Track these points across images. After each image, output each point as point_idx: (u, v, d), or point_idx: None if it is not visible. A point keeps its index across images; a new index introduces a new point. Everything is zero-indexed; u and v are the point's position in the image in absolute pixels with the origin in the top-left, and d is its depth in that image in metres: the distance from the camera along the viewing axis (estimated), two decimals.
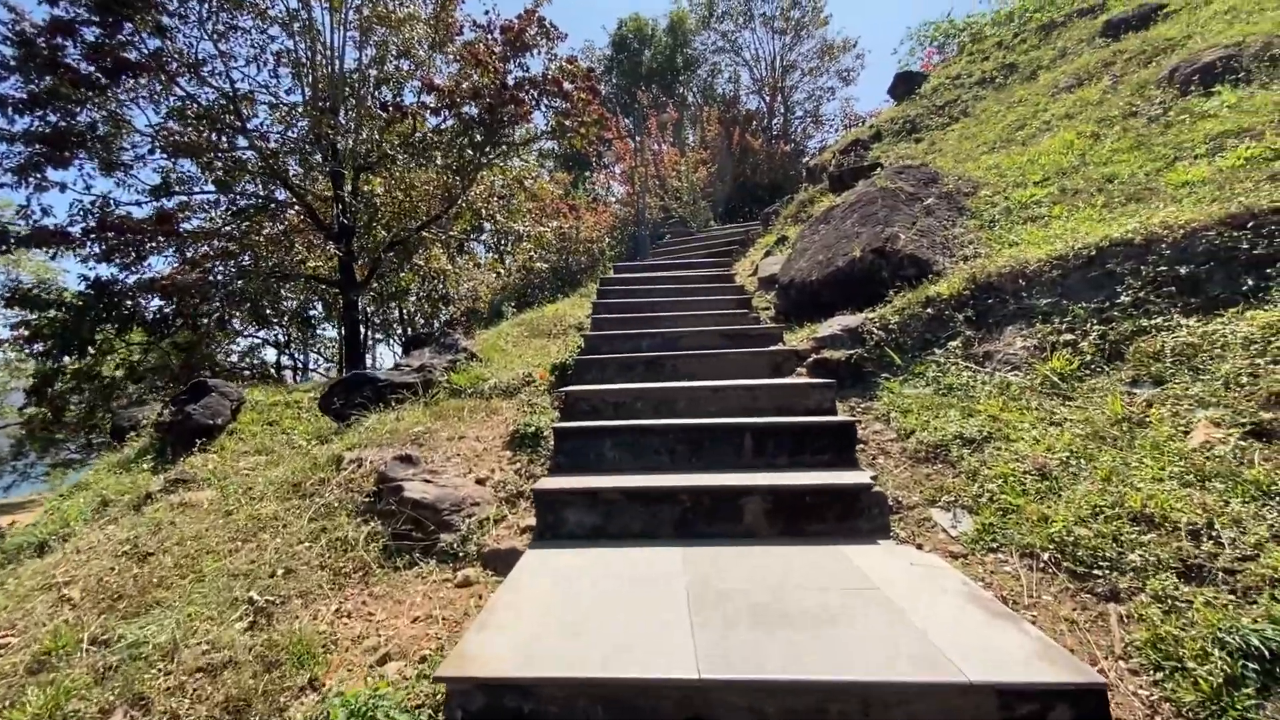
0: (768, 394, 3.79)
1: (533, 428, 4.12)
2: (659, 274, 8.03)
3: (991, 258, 4.43)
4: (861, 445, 3.47)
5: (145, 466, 5.41)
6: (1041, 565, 2.36)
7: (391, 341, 18.16)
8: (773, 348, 4.84)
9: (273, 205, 12.13)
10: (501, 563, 3.03)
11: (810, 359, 4.37)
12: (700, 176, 14.28)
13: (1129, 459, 2.67)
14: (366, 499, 3.56)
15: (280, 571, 3.02)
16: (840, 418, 3.51)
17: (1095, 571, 2.23)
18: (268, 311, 11.07)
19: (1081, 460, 2.77)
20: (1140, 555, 2.20)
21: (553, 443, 3.61)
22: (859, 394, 4.06)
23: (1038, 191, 5.58)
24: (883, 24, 43.76)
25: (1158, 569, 2.14)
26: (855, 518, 2.91)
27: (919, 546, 2.71)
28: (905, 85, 10.97)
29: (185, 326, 10.09)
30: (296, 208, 11.89)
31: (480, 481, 3.66)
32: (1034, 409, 3.25)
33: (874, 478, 3.05)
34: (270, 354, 17.10)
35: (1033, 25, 10.80)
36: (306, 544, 3.26)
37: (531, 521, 3.18)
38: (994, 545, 2.56)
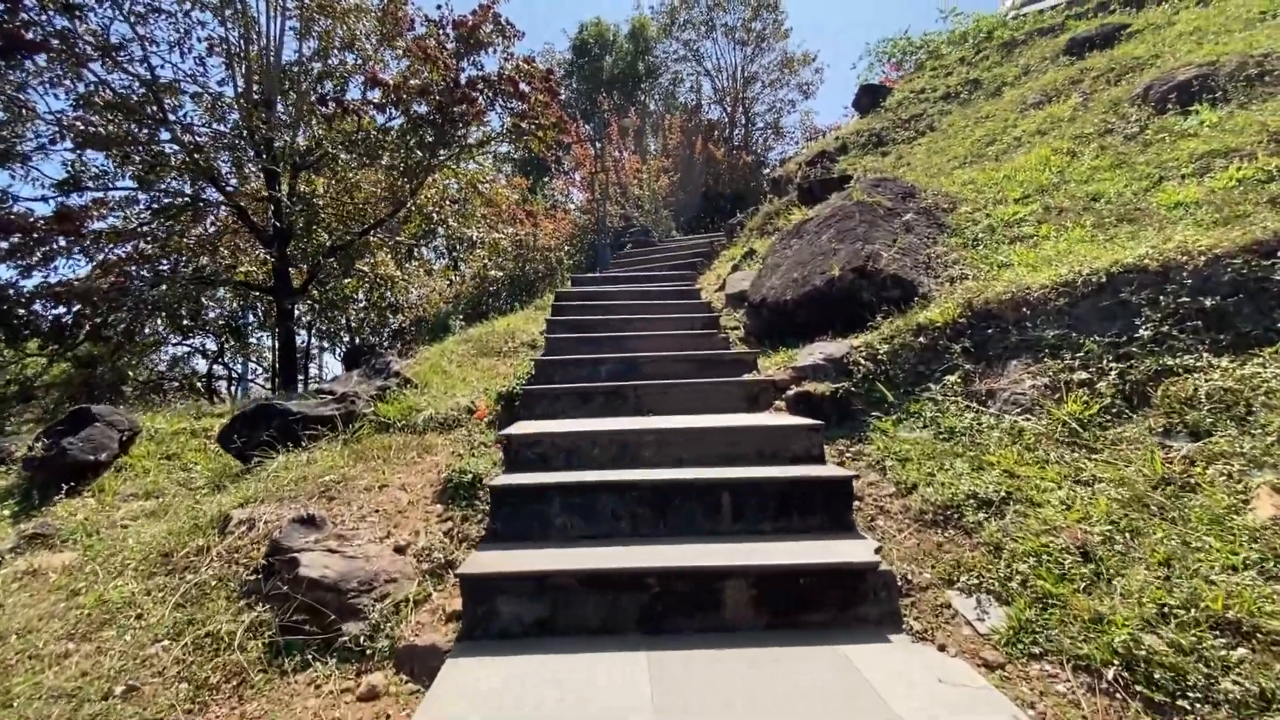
0: (747, 438, 3.21)
1: (469, 475, 3.44)
2: (620, 287, 7.41)
3: (988, 281, 3.97)
4: (857, 501, 2.93)
5: (4, 514, 4.47)
6: (1105, 686, 1.84)
7: (338, 349, 17.00)
8: (747, 376, 4.29)
9: (200, 205, 11.02)
10: (419, 664, 2.35)
11: (791, 391, 3.82)
12: (662, 185, 13.77)
13: (1186, 536, 2.19)
14: (253, 576, 2.82)
15: (119, 690, 2.27)
16: (833, 470, 2.96)
17: (1181, 703, 1.72)
18: (186, 322, 9.94)
19: (1127, 535, 2.28)
20: (1237, 684, 1.69)
21: (490, 505, 2.93)
22: (847, 434, 3.53)
23: (1020, 209, 5.22)
24: (840, 40, 44.44)
25: (1265, 708, 1.64)
26: (860, 603, 2.35)
27: (941, 648, 2.16)
28: (870, 98, 10.70)
29: (89, 338, 8.92)
30: (226, 208, 10.83)
31: (400, 549, 2.96)
32: (1055, 463, 2.77)
33: (879, 550, 2.50)
34: (206, 364, 15.77)
35: (995, 43, 10.69)
36: (165, 643, 2.50)
37: (460, 605, 2.51)
38: (1037, 650, 2.03)
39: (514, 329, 7.07)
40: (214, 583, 2.81)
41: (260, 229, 10.70)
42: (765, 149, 20.30)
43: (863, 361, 3.79)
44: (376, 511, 3.30)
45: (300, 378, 17.45)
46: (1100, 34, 8.21)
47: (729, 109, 20.45)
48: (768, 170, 19.04)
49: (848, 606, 2.35)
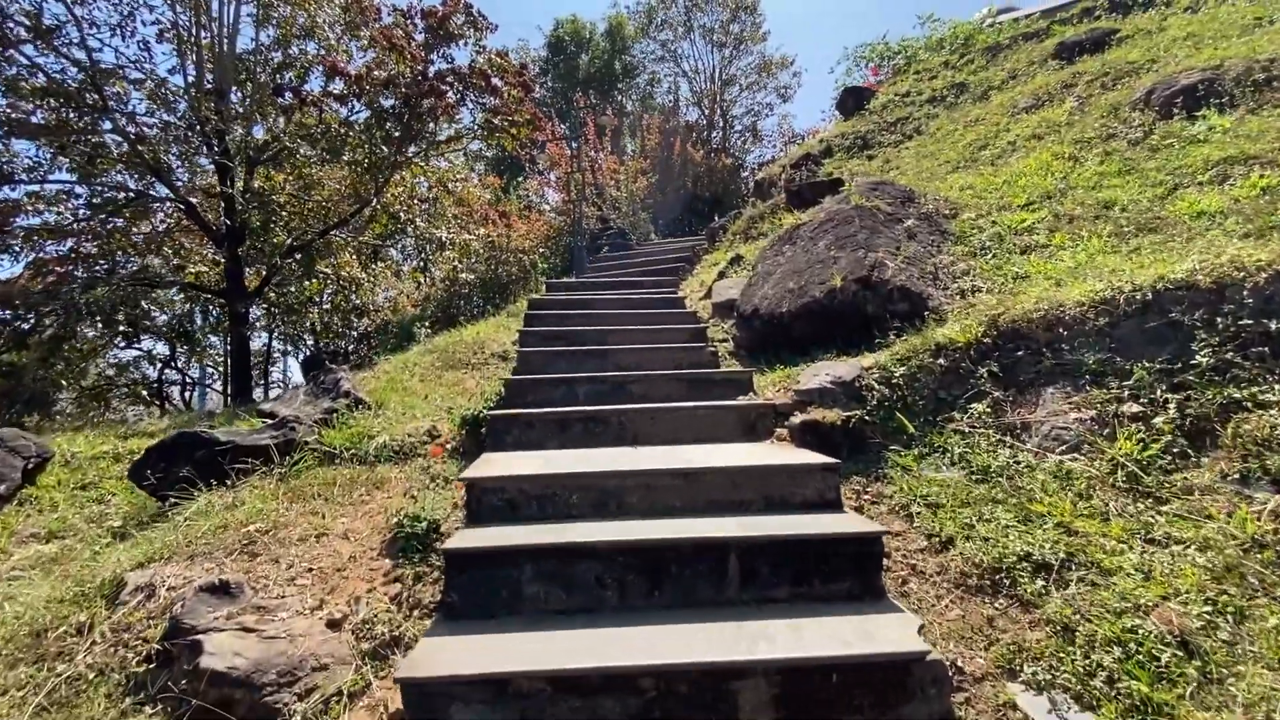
0: (752, 481, 2.72)
1: (424, 521, 2.88)
2: (598, 294, 6.89)
3: (1011, 296, 3.56)
4: (885, 559, 2.46)
5: None
6: None
7: (301, 353, 16.05)
8: (743, 400, 3.80)
9: (145, 201, 10.13)
10: None
11: (796, 419, 3.35)
12: (640, 187, 13.26)
13: None
14: (145, 666, 2.23)
15: None
16: (857, 523, 2.48)
17: None
18: (124, 328, 9.08)
19: (1230, 618, 1.85)
20: None
21: (446, 570, 2.38)
22: (863, 470, 3.07)
23: (1027, 216, 4.85)
24: (817, 45, 44.51)
25: None
26: (904, 701, 1.88)
27: None
28: (854, 100, 10.36)
29: (11, 345, 8.04)
30: (174, 204, 9.99)
31: (335, 623, 2.40)
32: (1117, 515, 2.34)
33: (922, 629, 2.02)
34: (157, 370, 14.69)
35: (978, 47, 10.44)
36: None
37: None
38: None
39: (484, 338, 6.49)
40: (92, 676, 2.20)
41: (211, 227, 9.91)
42: (743, 152, 19.97)
43: (876, 386, 3.33)
44: (310, 570, 2.72)
45: (262, 383, 16.52)
46: (1090, 39, 7.97)
47: (707, 111, 20.05)
48: (746, 173, 18.70)
49: (889, 706, 1.87)
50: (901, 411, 3.20)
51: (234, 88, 11.13)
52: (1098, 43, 7.87)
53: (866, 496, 2.90)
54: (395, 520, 3.01)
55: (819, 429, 3.23)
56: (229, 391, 10.85)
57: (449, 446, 3.94)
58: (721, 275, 6.53)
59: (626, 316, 5.78)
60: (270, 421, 3.87)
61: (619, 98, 21.00)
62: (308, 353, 15.09)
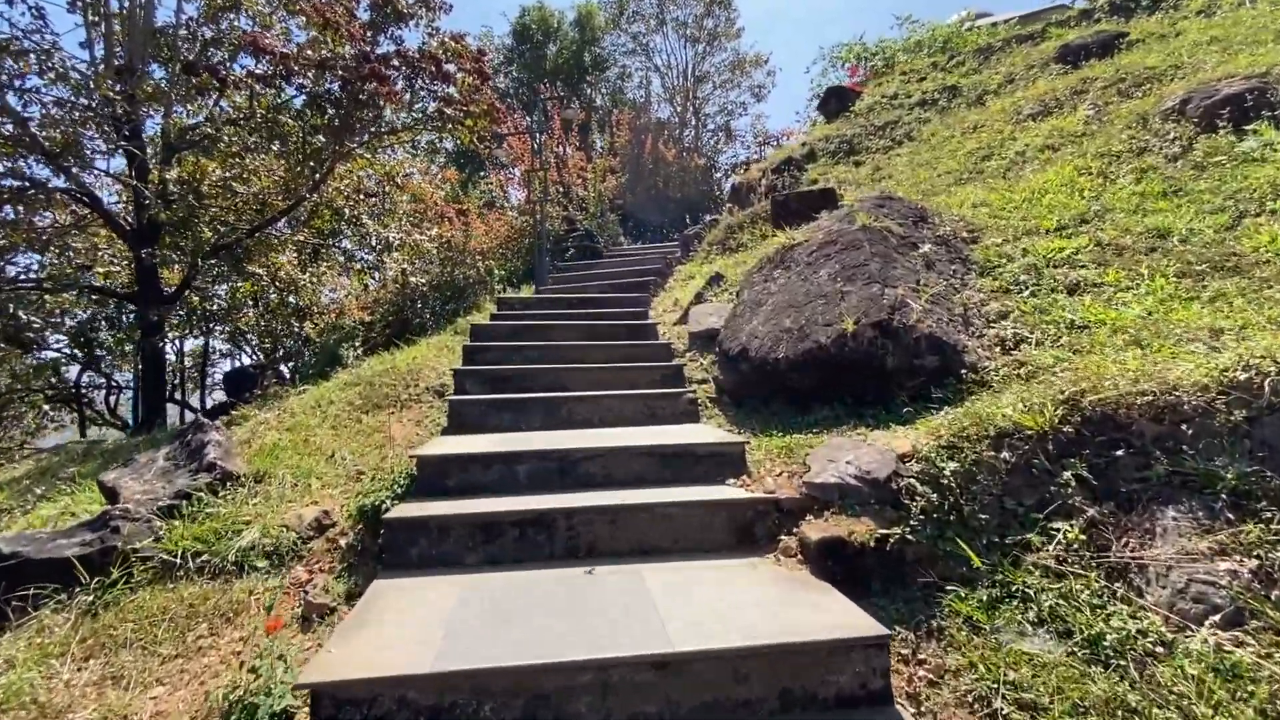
0: (761, 665, 1.77)
1: (276, 706, 1.85)
2: (558, 318, 5.84)
3: (1087, 358, 2.66)
4: None
5: None
6: None
7: (244, 352, 14.40)
8: (735, 490, 2.84)
9: (34, 191, 8.63)
10: None
11: (811, 534, 2.40)
12: (610, 186, 12.20)
13: None
14: None
15: None
16: None
17: None
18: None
19: None
20: None
21: None
22: (907, 616, 2.14)
23: (1064, 243, 4.01)
24: (790, 44, 43.80)
25: None
26: None
27: None
28: (838, 101, 9.51)
29: None
30: (77, 195, 8.52)
31: None
32: None
33: None
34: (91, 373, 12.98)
35: (969, 48, 9.69)
36: None
37: None
38: None
39: (419, 366, 5.37)
40: None
41: (120, 222, 8.52)
42: (716, 152, 19.04)
43: (920, 487, 2.41)
44: None
45: (199, 390, 14.86)
46: (1096, 42, 7.24)
47: (679, 108, 19.06)
48: (719, 174, 17.81)
49: None
50: (958, 529, 2.29)
51: (153, 65, 9.70)
52: (1105, 46, 7.15)
53: (920, 671, 1.97)
54: (237, 691, 1.97)
55: (845, 551, 2.29)
56: (138, 412, 9.45)
57: (342, 544, 2.89)
58: (699, 298, 5.56)
59: (589, 350, 4.77)
60: (88, 520, 2.75)
61: (588, 91, 19.82)
62: (256, 351, 13.62)
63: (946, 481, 2.39)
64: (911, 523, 2.32)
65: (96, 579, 2.56)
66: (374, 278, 12.13)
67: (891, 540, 2.27)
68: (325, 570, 2.76)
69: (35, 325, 7.49)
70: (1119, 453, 2.25)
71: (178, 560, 2.68)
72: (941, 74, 9.28)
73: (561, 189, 12.32)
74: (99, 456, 5.47)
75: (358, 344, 7.45)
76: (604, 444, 3.05)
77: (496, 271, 9.45)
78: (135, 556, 2.65)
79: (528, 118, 15.75)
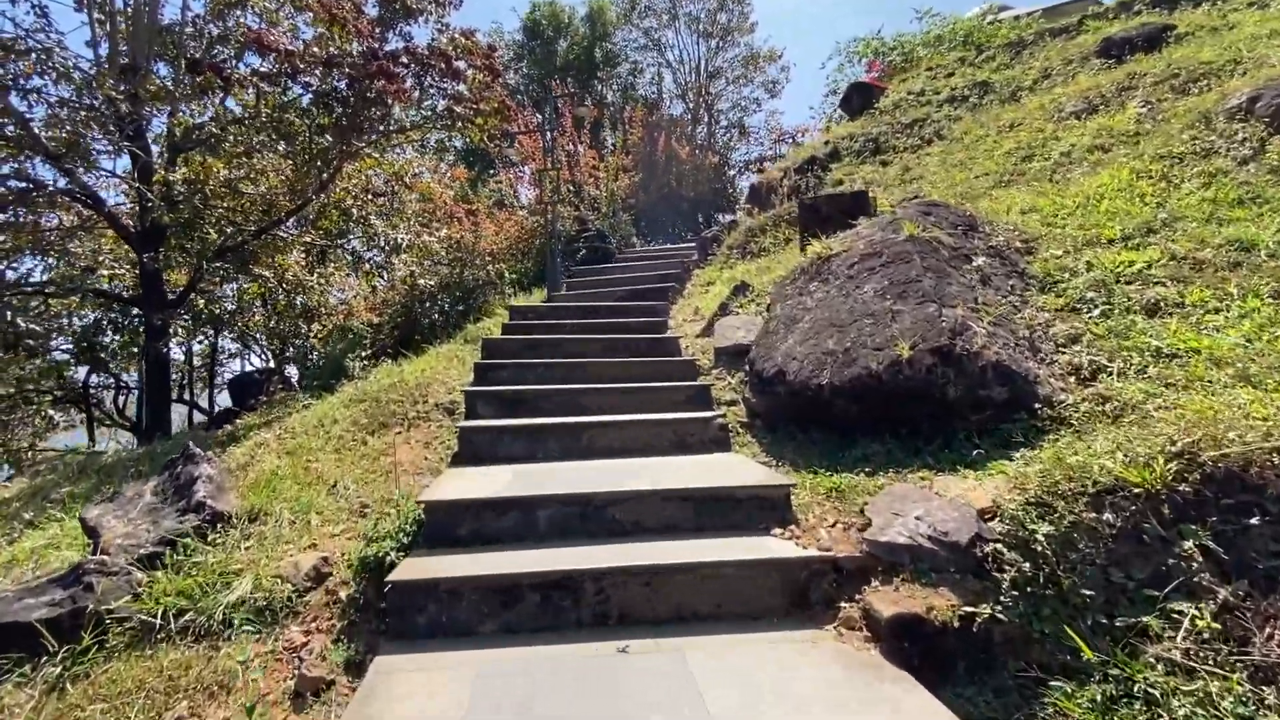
0: None
1: None
2: (572, 330, 5.51)
3: (1213, 412, 2.28)
4: None
5: None
6: None
7: (254, 352, 14.14)
8: (784, 543, 2.49)
9: (48, 193, 8.37)
10: None
11: (883, 607, 2.06)
12: (622, 185, 11.83)
13: None
14: None
15: None
16: None
17: None
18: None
19: None
20: None
21: None
22: (1001, 716, 1.80)
23: (1133, 256, 3.63)
24: (803, 40, 43.05)
25: None
26: None
27: None
28: (861, 98, 9.10)
29: None
30: (79, 197, 8.25)
31: None
32: None
33: None
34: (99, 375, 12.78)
35: (997, 42, 9.24)
36: None
37: None
38: None
39: (429, 380, 5.05)
40: None
41: (125, 224, 8.28)
42: (729, 149, 18.60)
43: (1007, 552, 2.06)
44: None
45: (206, 391, 14.64)
46: (1142, 35, 6.80)
47: (691, 104, 18.63)
48: (732, 171, 17.39)
49: None
50: (1055, 606, 1.94)
51: (159, 65, 9.46)
52: (1151, 40, 6.70)
53: None
54: None
55: (922, 630, 1.95)
56: (142, 420, 9.21)
57: (342, 596, 2.58)
58: (724, 309, 5.21)
59: (607, 367, 4.44)
60: (59, 576, 2.45)
61: (599, 88, 19.40)
62: (266, 351, 13.38)
63: (1040, 548, 2.03)
64: (1001, 597, 1.97)
65: (66, 646, 2.26)
66: (382, 279, 11.87)
67: (978, 622, 1.92)
68: (323, 630, 2.45)
69: (36, 331, 7.22)
70: (1252, 520, 1.89)
71: (158, 621, 2.37)
72: (971, 69, 8.84)
73: (573, 188, 11.97)
74: (94, 474, 5.19)
75: (365, 350, 7.13)
76: (632, 486, 2.71)
77: (507, 274, 9.11)
78: (111, 618, 2.35)
79: (538, 115, 15.40)
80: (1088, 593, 1.95)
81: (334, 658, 2.27)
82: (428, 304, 10.03)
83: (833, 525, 2.54)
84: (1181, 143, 4.71)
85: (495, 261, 10.21)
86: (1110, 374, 2.84)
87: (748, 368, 4.11)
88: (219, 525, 2.89)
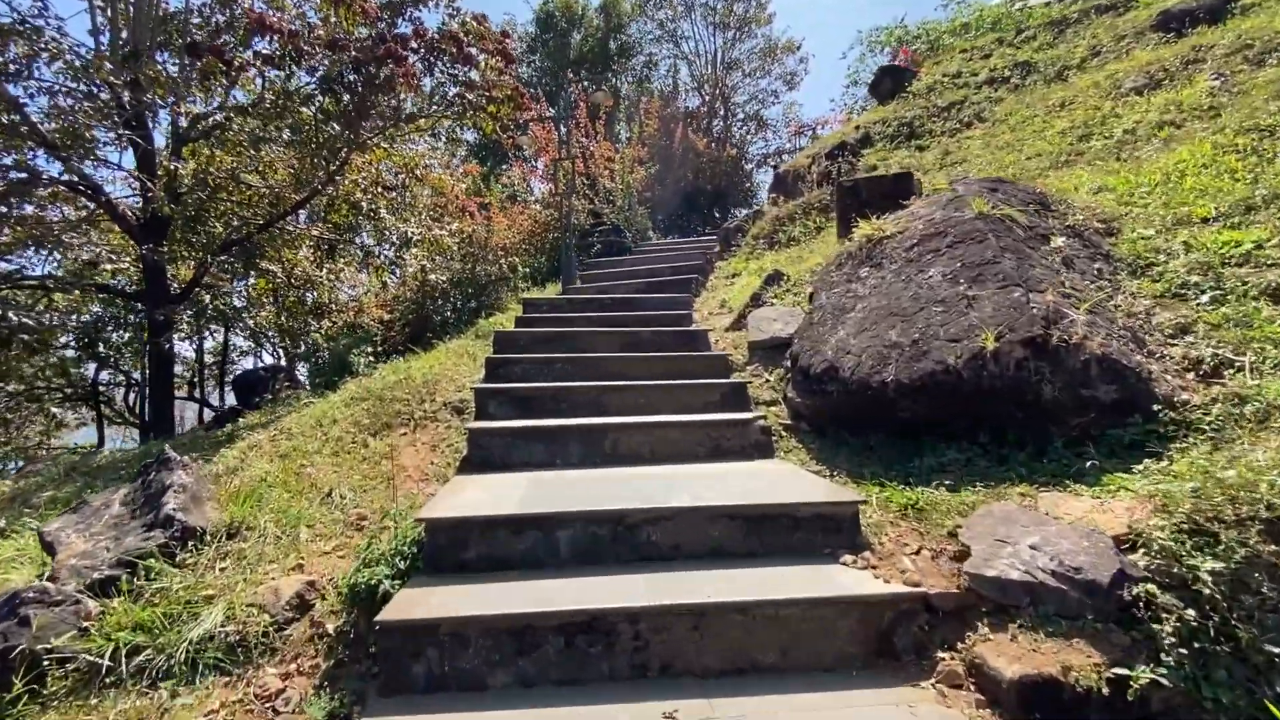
0: None
1: None
2: (589, 323, 5.09)
3: None
4: None
5: None
6: None
7: (264, 349, 13.88)
8: (863, 578, 2.04)
9: (41, 183, 8.08)
10: None
11: (1004, 671, 1.61)
12: (638, 178, 11.40)
13: None
14: None
15: None
16: None
17: None
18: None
19: None
20: None
21: None
22: None
23: (1239, 236, 3.14)
24: (821, 30, 42.26)
25: None
26: None
27: None
28: (892, 82, 8.59)
29: None
30: (78, 188, 7.96)
31: None
32: None
33: None
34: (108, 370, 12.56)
35: (1038, 21, 8.70)
36: None
37: None
38: None
39: (437, 377, 4.65)
40: None
41: (127, 217, 7.97)
42: (747, 142, 18.07)
43: (1160, 594, 1.60)
44: None
45: (217, 390, 14.41)
46: (1203, 7, 6.26)
47: (707, 97, 18.13)
48: (750, 165, 16.89)
49: None
50: (1231, 666, 1.48)
51: (164, 54, 9.18)
52: (1214, 12, 6.17)
53: None
54: None
55: (1059, 698, 1.50)
56: (144, 419, 8.92)
57: (329, 629, 2.17)
58: (757, 300, 4.76)
59: (631, 363, 4.01)
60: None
61: (614, 80, 18.96)
62: (274, 354, 13.12)
63: (1206, 590, 1.58)
64: (1162, 653, 1.52)
65: (8, 685, 1.87)
66: (393, 274, 11.54)
67: (1136, 687, 1.47)
68: (304, 673, 2.04)
69: (29, 326, 6.92)
70: None
71: (106, 662, 1.98)
72: (1010, 50, 8.31)
73: (587, 180, 11.55)
74: (82, 476, 4.86)
75: (373, 347, 6.76)
76: (670, 502, 2.28)
77: (520, 268, 8.72)
78: (51, 658, 1.95)
79: (551, 108, 15.01)
80: (1274, 649, 1.49)
81: (313, 712, 1.86)
82: (439, 300, 9.67)
83: (916, 552, 2.09)
84: (1269, 115, 4.20)
85: (508, 255, 9.82)
86: (1239, 369, 2.36)
87: (789, 363, 3.66)
88: (189, 543, 2.49)
